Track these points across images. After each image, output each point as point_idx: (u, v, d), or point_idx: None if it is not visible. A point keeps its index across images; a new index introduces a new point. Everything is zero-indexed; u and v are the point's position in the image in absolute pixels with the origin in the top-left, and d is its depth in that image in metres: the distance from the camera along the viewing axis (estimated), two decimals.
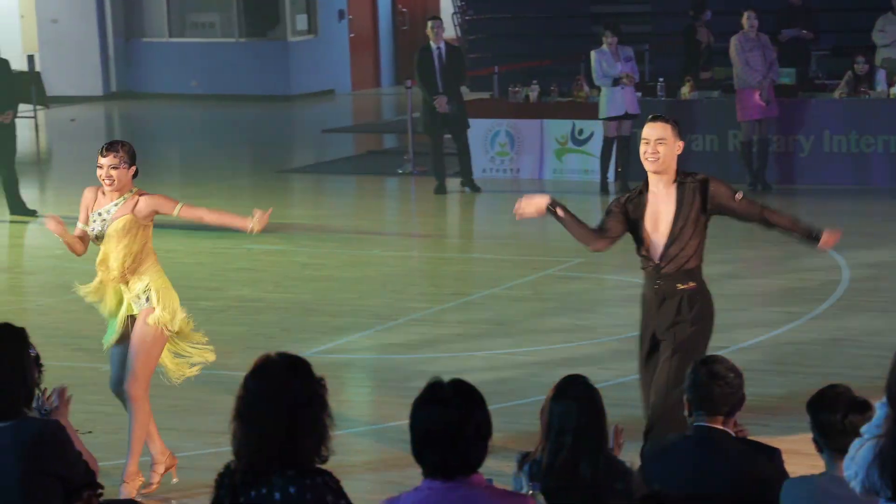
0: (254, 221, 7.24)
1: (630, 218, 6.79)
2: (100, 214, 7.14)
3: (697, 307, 6.72)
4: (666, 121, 6.85)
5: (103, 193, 7.14)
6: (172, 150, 20.52)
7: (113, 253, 7.08)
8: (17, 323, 5.05)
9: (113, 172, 7.03)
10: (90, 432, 7.74)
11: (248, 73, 25.84)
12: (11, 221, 14.78)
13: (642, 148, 6.77)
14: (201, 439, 7.88)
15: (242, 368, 4.36)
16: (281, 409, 4.16)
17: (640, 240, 6.80)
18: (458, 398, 4.13)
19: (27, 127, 20.95)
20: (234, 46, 26.24)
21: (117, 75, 26.69)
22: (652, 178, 6.79)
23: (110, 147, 7.08)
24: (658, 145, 6.72)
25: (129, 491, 6.99)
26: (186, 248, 13.09)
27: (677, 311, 6.69)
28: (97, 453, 6.91)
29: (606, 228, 6.85)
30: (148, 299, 7.10)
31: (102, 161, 7.05)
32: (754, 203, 6.99)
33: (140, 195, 7.13)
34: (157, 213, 7.14)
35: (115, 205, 7.10)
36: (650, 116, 7.02)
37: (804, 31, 17.47)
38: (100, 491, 4.92)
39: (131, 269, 7.09)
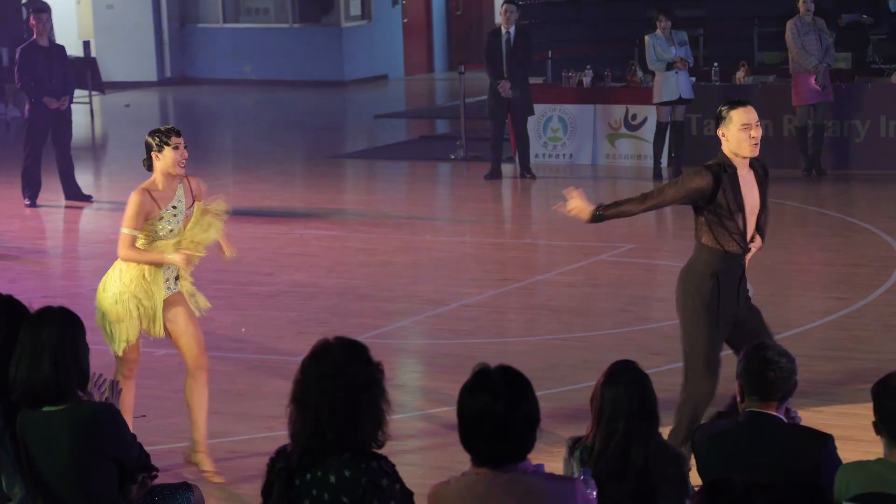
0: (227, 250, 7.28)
1: (716, 195, 6.67)
2: (174, 207, 7.03)
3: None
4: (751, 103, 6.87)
5: (158, 191, 7.02)
6: (226, 136, 20.62)
7: (198, 236, 7.06)
8: (73, 308, 5.11)
9: (186, 153, 7.06)
10: (144, 416, 7.81)
11: (302, 58, 25.91)
12: (67, 206, 14.92)
13: (747, 133, 6.68)
14: (253, 423, 7.93)
15: (294, 353, 4.39)
16: (339, 393, 4.17)
17: (725, 219, 6.69)
18: (506, 386, 4.14)
19: (83, 113, 21.12)
20: (288, 32, 26.31)
21: (172, 61, 26.84)
22: (739, 162, 6.73)
23: (173, 129, 7.05)
24: (758, 128, 6.70)
25: (207, 462, 7.03)
26: (238, 233, 13.13)
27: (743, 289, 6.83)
28: (150, 437, 7.00)
29: (663, 199, 6.78)
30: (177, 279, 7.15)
31: (178, 141, 7.00)
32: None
33: (191, 179, 7.15)
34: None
35: (181, 191, 7.06)
36: (735, 101, 6.93)
37: (864, 16, 17.29)
38: (154, 473, 4.96)
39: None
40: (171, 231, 7.02)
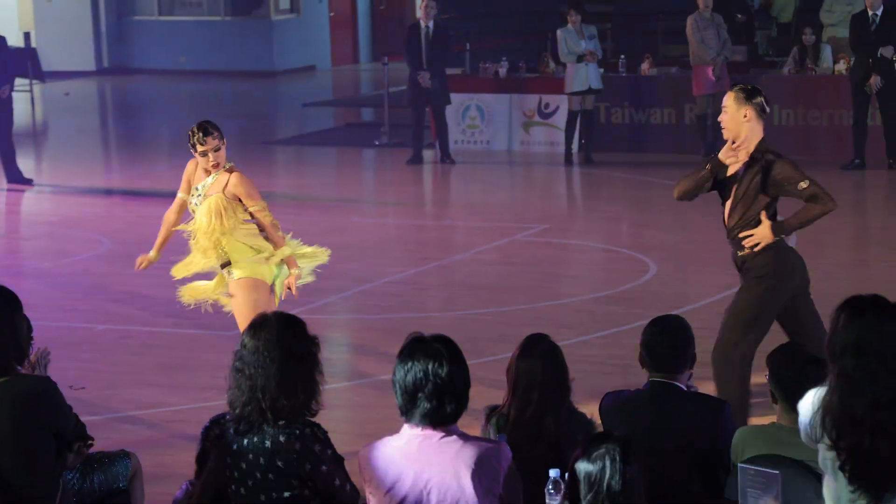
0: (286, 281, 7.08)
1: (717, 178, 6.69)
2: (197, 189, 6.95)
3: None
4: (732, 89, 6.74)
5: (201, 167, 6.91)
6: (162, 124, 20.41)
7: (204, 230, 6.86)
8: (14, 286, 5.04)
9: (219, 156, 6.82)
10: (83, 388, 7.73)
11: (234, 49, 25.71)
12: (9, 190, 14.70)
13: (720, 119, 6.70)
14: (188, 394, 7.88)
15: (228, 328, 4.37)
16: (275, 364, 4.18)
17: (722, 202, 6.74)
18: (444, 351, 4.15)
19: (24, 100, 20.79)
20: (221, 24, 26.09)
21: (109, 52, 26.51)
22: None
23: (206, 132, 6.80)
24: (724, 113, 6.66)
25: None
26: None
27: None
28: (89, 408, 6.93)
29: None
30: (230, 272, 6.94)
31: (205, 148, 6.77)
32: (818, 197, 6.82)
33: (231, 172, 6.90)
34: (238, 198, 6.87)
35: (212, 179, 6.90)
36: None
37: (738, 15, 17.45)
38: (90, 442, 4.92)
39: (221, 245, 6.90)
40: (192, 210, 6.97)
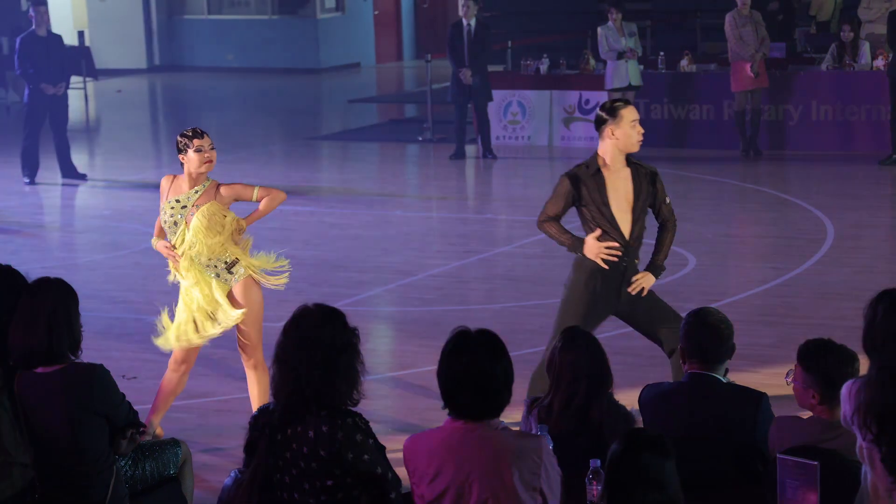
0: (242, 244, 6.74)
1: (581, 196, 6.61)
2: (178, 201, 6.65)
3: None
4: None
5: (180, 182, 6.67)
6: (210, 119, 20.50)
7: (200, 241, 6.60)
8: (69, 278, 5.08)
9: (213, 154, 6.63)
10: (136, 378, 7.78)
11: (281, 47, 25.78)
12: (63, 184, 14.82)
13: (635, 130, 6.56)
14: (236, 384, 7.91)
15: (275, 320, 4.37)
16: (317, 354, 4.18)
17: (597, 216, 6.61)
18: (488, 346, 4.15)
19: (77, 97, 20.96)
20: (268, 23, 26.17)
21: (160, 50, 26.66)
22: (619, 159, 6.60)
23: (203, 131, 6.66)
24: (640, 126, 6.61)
25: None
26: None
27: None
28: (141, 397, 6.97)
29: (557, 214, 6.72)
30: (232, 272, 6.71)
31: (201, 143, 6.59)
32: (670, 218, 6.75)
33: (218, 184, 6.68)
34: (237, 199, 6.68)
35: (196, 192, 6.64)
36: (619, 101, 6.79)
37: (770, 3, 17.37)
38: (142, 429, 4.94)
39: (220, 254, 6.65)
40: (173, 223, 6.66)
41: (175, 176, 6.77)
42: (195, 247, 6.62)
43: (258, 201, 6.73)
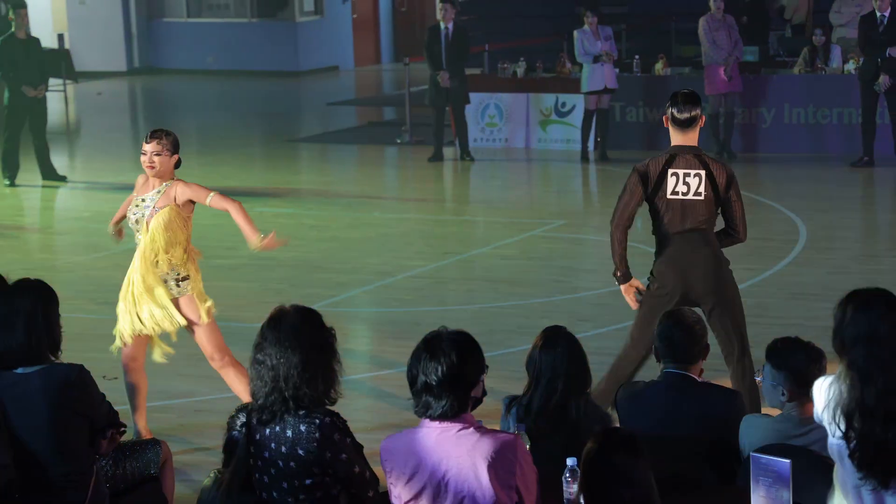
0: (261, 240, 6.82)
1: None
2: (143, 201, 6.77)
3: None
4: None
5: (150, 182, 6.78)
6: (190, 122, 20.46)
7: (157, 242, 6.67)
8: (49, 279, 5.06)
9: (156, 159, 6.67)
10: (116, 378, 7.75)
11: (260, 50, 25.74)
12: (43, 186, 14.76)
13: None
14: (215, 384, 7.88)
15: (254, 321, 4.37)
16: (294, 354, 4.17)
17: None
18: (458, 347, 4.15)
19: (57, 100, 20.87)
20: (247, 26, 26.12)
21: (140, 52, 26.58)
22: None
23: (154, 134, 6.75)
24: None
25: None
26: (202, 210, 13.03)
27: None
28: (121, 397, 6.94)
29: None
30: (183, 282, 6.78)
31: (146, 147, 6.71)
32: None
33: (179, 183, 6.75)
34: (191, 201, 6.75)
35: (158, 192, 6.73)
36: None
37: (743, 17, 17.40)
38: (122, 429, 4.93)
39: (174, 259, 6.71)
40: (136, 221, 6.75)
41: (146, 174, 6.84)
42: (154, 248, 6.67)
43: (210, 206, 6.79)
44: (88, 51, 25.67)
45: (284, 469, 4.22)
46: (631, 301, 6.59)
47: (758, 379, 4.78)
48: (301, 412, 4.20)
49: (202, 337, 6.84)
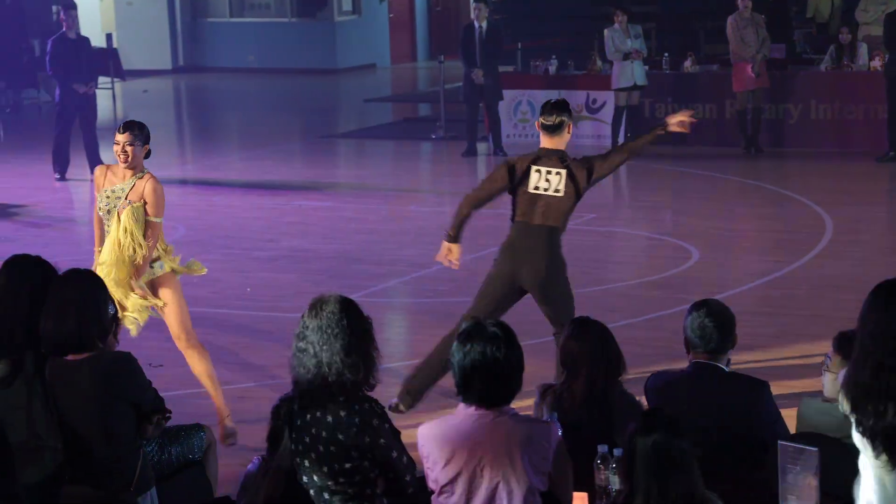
0: (138, 288, 6.67)
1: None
2: (113, 192, 6.71)
3: None
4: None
5: (113, 173, 6.75)
6: (232, 118, 20.52)
7: (134, 236, 6.63)
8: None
9: (129, 149, 6.64)
10: (161, 366, 7.79)
11: (299, 49, 25.78)
12: (92, 180, 14.79)
13: None
14: (255, 373, 7.92)
15: (293, 311, 4.37)
16: (338, 340, 4.17)
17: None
18: (501, 335, 4.14)
19: (106, 97, 20.98)
20: (287, 25, 26.17)
21: (184, 51, 26.68)
22: None
23: (127, 126, 6.72)
24: None
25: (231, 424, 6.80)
26: (244, 203, 13.10)
27: None
28: (167, 384, 6.98)
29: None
30: (161, 266, 6.75)
31: (119, 138, 6.67)
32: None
33: (150, 179, 6.68)
34: (145, 202, 6.66)
35: (130, 184, 6.69)
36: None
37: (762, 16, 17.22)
38: (168, 415, 4.95)
39: (139, 255, 6.63)
40: (107, 211, 6.72)
41: (108, 166, 6.84)
42: (131, 241, 6.62)
43: (147, 229, 6.65)
44: (135, 50, 25.79)
45: (324, 454, 4.22)
46: (441, 255, 7.18)
47: (823, 368, 4.74)
48: (341, 398, 4.20)
49: (171, 317, 6.75)
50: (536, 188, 6.93)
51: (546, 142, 6.98)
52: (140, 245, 6.63)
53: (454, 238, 7.09)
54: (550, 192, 6.91)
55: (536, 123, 7.03)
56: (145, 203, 6.67)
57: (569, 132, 6.98)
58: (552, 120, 6.91)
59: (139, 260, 6.65)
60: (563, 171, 6.88)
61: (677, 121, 7.12)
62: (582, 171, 6.91)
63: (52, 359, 4.79)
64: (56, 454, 4.78)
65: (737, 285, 9.62)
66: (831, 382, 4.79)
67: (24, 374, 4.77)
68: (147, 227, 6.67)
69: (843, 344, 4.76)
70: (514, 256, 7.04)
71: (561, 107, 6.93)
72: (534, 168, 6.93)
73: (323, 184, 14.44)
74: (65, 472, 4.81)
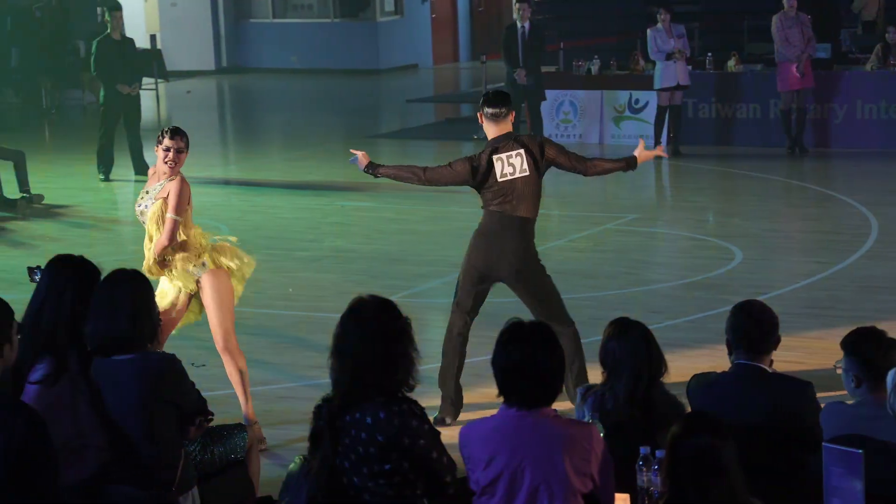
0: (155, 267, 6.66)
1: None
2: (148, 193, 6.76)
3: None
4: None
5: (156, 175, 6.75)
6: (275, 118, 20.60)
7: (153, 234, 6.65)
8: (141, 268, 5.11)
9: (180, 156, 6.66)
10: (204, 365, 7.83)
11: (342, 49, 25.84)
12: (136, 181, 14.95)
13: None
14: (297, 373, 7.94)
15: (335, 311, 4.37)
16: (373, 343, 4.18)
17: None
18: (542, 337, 4.14)
19: (150, 98, 21.14)
20: (330, 26, 26.24)
21: (227, 52, 26.83)
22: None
23: (176, 131, 6.70)
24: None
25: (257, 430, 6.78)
26: (286, 203, 13.15)
27: None
28: (210, 384, 7.01)
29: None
30: (204, 264, 6.69)
31: (168, 143, 6.63)
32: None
33: (177, 178, 6.67)
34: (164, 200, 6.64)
35: (161, 185, 6.71)
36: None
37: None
38: (210, 416, 4.97)
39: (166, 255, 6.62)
40: (140, 213, 6.76)
41: (154, 168, 6.85)
42: (153, 240, 6.65)
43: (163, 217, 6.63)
44: (179, 51, 25.96)
45: (364, 454, 4.23)
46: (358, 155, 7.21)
47: (836, 368, 4.71)
48: (380, 399, 4.20)
49: (210, 316, 6.69)
50: (504, 175, 7.03)
51: (493, 131, 7.09)
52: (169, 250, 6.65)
53: (375, 168, 7.30)
54: (518, 175, 7.03)
55: (479, 115, 7.15)
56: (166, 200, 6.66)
57: (511, 120, 7.12)
58: (496, 109, 7.01)
59: (147, 255, 6.67)
60: (522, 150, 7.01)
61: (651, 155, 7.26)
62: (535, 144, 7.07)
63: (98, 358, 4.82)
64: (100, 453, 4.81)
65: (781, 286, 9.55)
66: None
67: (68, 373, 4.80)
68: (163, 223, 6.64)
69: (846, 343, 4.73)
70: (488, 247, 7.15)
71: (504, 97, 7.11)
72: (495, 158, 7.03)
73: (364, 184, 14.44)
74: (108, 472, 4.84)
